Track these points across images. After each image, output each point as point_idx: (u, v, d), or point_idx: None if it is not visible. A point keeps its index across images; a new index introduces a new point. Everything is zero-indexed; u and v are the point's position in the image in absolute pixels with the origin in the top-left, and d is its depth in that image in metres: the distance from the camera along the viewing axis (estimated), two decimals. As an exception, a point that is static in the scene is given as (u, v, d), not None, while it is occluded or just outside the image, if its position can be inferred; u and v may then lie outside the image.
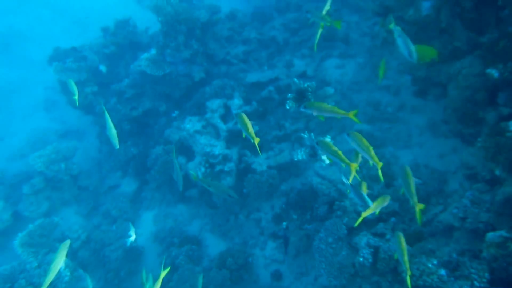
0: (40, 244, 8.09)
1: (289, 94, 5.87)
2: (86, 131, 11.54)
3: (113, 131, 5.15)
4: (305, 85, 5.61)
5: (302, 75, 8.87)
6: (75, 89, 6.12)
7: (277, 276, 6.59)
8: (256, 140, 4.38)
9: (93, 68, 9.79)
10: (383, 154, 7.29)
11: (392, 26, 4.40)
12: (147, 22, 11.31)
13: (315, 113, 4.14)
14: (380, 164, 3.98)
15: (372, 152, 3.98)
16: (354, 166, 4.02)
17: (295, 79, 5.95)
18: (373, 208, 4.28)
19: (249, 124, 4.43)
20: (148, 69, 8.32)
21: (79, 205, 9.35)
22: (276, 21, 10.50)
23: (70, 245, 5.12)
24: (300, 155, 5.88)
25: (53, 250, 7.89)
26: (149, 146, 8.92)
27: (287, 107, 5.61)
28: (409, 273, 3.95)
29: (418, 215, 4.01)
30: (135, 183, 8.99)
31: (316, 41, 5.81)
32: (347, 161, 4.02)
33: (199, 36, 8.70)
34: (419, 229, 5.39)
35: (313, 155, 5.89)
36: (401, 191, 4.54)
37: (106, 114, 5.27)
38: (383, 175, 6.53)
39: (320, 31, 5.64)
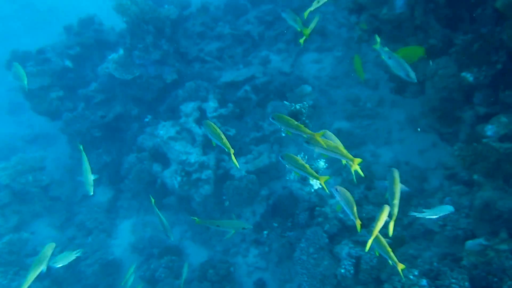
0: (9, 262, 7.88)
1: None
2: (56, 136, 11.25)
3: (89, 177, 4.71)
4: (297, 106, 5.45)
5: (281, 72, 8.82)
6: (23, 74, 5.76)
7: (260, 285, 6.63)
8: (232, 151, 4.06)
9: (57, 72, 9.49)
10: (363, 153, 7.35)
11: (378, 47, 4.26)
12: (115, 16, 10.99)
13: (282, 128, 3.97)
14: (358, 160, 3.73)
15: (344, 151, 3.78)
16: (323, 179, 3.95)
17: (286, 102, 5.79)
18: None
19: (222, 133, 4.12)
20: (116, 73, 8.12)
21: (52, 216, 9.15)
22: (251, 13, 10.34)
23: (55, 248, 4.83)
24: (293, 176, 5.88)
25: (24, 268, 7.75)
26: (123, 153, 8.78)
27: (283, 135, 5.41)
28: (401, 266, 3.97)
29: (391, 228, 3.99)
30: (110, 191, 8.84)
31: (302, 41, 5.56)
32: (316, 174, 3.91)
33: (169, 35, 8.51)
34: (400, 234, 5.46)
35: (305, 179, 5.90)
36: (386, 195, 4.40)
37: (84, 155, 4.83)
38: (363, 178, 6.57)
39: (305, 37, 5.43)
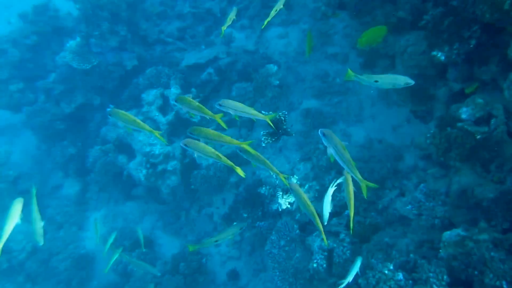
0: (-21, 258, 7.21)
1: (262, 132, 5.08)
2: (22, 128, 10.30)
3: (38, 225, 4.02)
4: (277, 116, 4.76)
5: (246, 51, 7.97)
6: None
7: (233, 275, 6.09)
8: (156, 133, 3.74)
9: (15, 63, 8.45)
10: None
11: (353, 78, 3.49)
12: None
13: (187, 109, 3.57)
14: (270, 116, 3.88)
15: (253, 111, 3.74)
16: (222, 157, 3.51)
17: (263, 112, 5.06)
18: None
19: (136, 118, 3.67)
20: (74, 63, 7.21)
21: (22, 211, 8.38)
22: (212, -12, 9.31)
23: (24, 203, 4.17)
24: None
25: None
26: (88, 144, 7.95)
27: (263, 145, 4.74)
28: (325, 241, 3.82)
29: (364, 191, 3.25)
30: (78, 184, 8.09)
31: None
32: (217, 153, 3.50)
33: (126, 19, 7.52)
34: (375, 221, 4.90)
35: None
36: (331, 159, 3.76)
37: (34, 201, 4.11)
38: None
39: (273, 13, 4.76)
